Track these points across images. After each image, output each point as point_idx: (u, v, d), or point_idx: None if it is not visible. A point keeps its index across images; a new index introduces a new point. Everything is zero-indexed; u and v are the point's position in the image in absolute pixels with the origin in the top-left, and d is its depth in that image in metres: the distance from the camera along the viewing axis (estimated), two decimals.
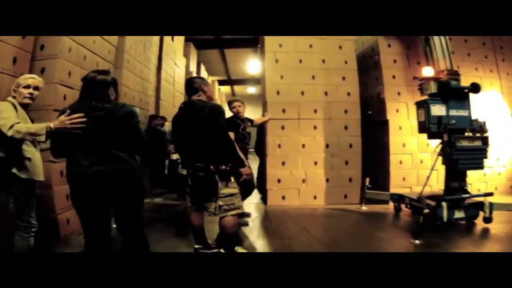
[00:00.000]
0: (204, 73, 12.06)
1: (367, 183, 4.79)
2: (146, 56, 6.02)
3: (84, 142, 1.94)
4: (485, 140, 3.80)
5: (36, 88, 2.33)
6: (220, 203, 2.52)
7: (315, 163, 5.06)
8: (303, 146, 5.06)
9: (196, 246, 2.78)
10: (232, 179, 2.60)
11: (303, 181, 5.03)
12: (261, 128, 5.25)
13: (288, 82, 5.14)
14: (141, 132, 2.13)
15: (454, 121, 3.74)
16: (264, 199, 5.17)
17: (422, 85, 4.07)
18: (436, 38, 3.99)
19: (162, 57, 7.09)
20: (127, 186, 1.99)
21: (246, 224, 3.92)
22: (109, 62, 4.33)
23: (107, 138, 1.96)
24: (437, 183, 4.66)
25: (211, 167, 2.49)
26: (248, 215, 4.24)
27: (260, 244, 3.33)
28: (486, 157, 3.81)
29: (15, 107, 2.20)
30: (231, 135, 2.80)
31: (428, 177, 3.83)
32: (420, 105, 4.03)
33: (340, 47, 5.28)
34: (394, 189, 4.92)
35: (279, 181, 4.99)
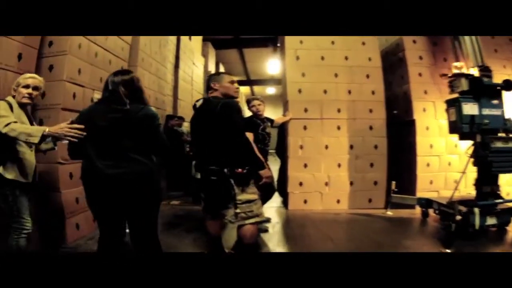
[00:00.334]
0: None
1: (393, 186, 4.57)
2: (162, 54, 5.85)
3: (101, 143, 1.91)
4: None
5: (35, 88, 2.30)
6: (237, 210, 2.29)
7: (339, 165, 4.90)
8: (326, 147, 4.91)
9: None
10: (251, 183, 2.36)
11: (326, 184, 4.87)
12: (282, 129, 5.10)
13: (310, 80, 5.00)
14: (162, 135, 2.06)
15: (487, 121, 3.50)
16: (285, 203, 5.03)
17: (452, 82, 3.82)
18: None
19: (180, 56, 6.95)
20: (141, 191, 1.93)
21: (266, 230, 3.75)
22: (122, 60, 4.18)
23: (124, 141, 1.91)
24: (465, 187, 4.38)
25: (225, 170, 2.26)
26: (267, 220, 4.02)
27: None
28: None
29: (11, 107, 2.17)
30: (250, 136, 2.58)
31: (459, 181, 3.63)
32: (450, 103, 3.80)
33: (363, 43, 5.10)
34: (421, 192, 4.70)
35: (301, 184, 4.86)
